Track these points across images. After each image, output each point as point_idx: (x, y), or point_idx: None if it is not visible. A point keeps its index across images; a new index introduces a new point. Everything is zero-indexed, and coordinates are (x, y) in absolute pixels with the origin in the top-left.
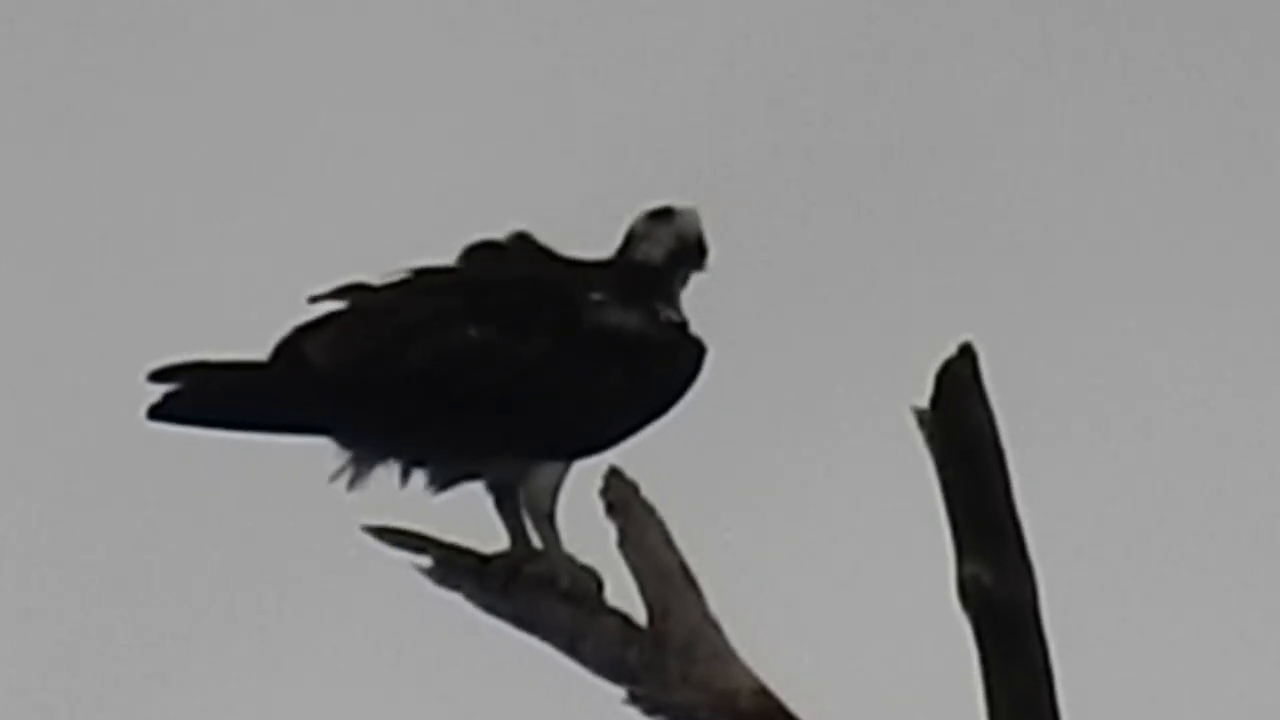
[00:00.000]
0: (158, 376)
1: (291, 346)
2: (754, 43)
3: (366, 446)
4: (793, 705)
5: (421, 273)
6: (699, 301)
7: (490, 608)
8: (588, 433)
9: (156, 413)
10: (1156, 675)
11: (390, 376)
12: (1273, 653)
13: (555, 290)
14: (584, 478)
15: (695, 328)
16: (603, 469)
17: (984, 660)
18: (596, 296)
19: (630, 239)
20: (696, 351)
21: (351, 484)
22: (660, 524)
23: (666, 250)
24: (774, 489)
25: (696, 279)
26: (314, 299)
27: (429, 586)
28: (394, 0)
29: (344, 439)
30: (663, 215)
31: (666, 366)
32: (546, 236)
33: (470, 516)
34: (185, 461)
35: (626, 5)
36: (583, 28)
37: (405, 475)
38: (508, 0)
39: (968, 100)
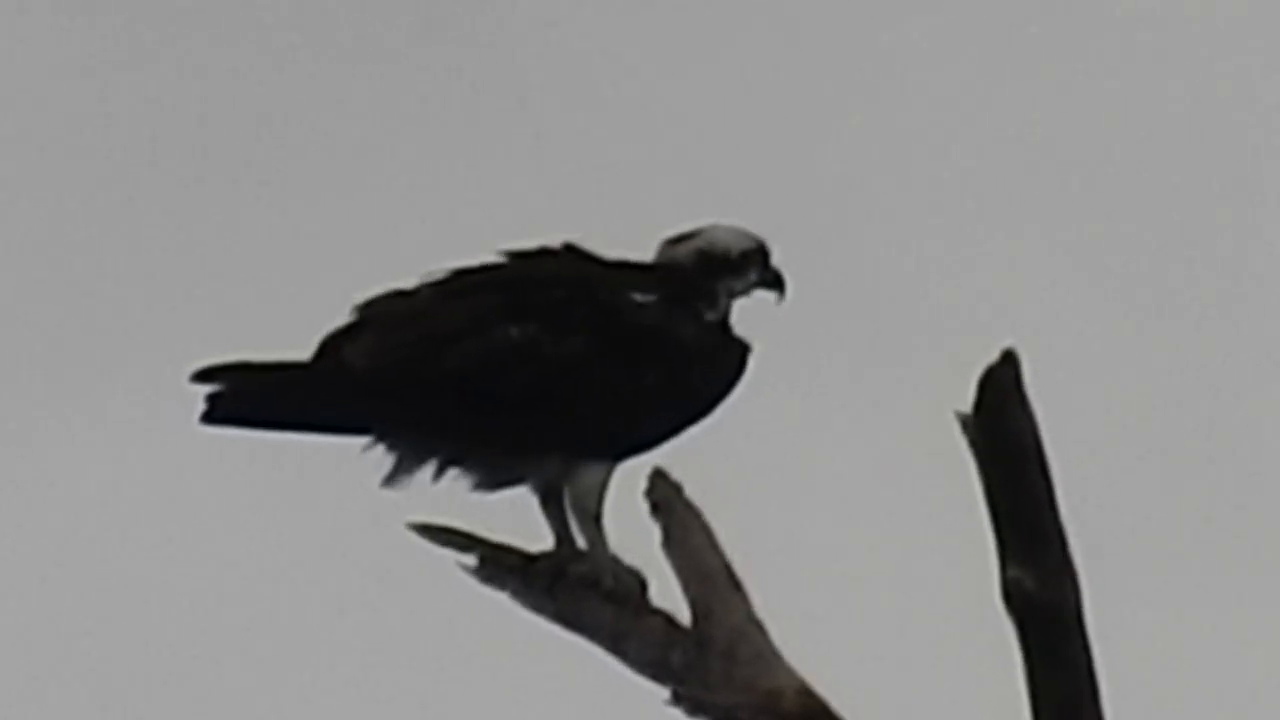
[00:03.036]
0: (202, 377)
1: (332, 349)
2: (782, 46)
3: (409, 447)
4: (836, 706)
5: (461, 273)
6: (745, 303)
7: (535, 607)
8: (628, 432)
9: (206, 416)
10: (1199, 677)
11: (430, 377)
12: None
13: (595, 290)
14: (629, 479)
15: (742, 330)
16: (647, 470)
17: (1028, 662)
18: (638, 297)
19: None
20: (739, 353)
21: (388, 482)
22: (704, 525)
23: (693, 256)
24: (818, 491)
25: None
26: (357, 307)
27: (474, 585)
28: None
29: (387, 440)
30: (683, 238)
31: (707, 367)
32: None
33: (516, 516)
34: (230, 460)
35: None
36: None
37: (440, 472)
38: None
39: (1008, 98)
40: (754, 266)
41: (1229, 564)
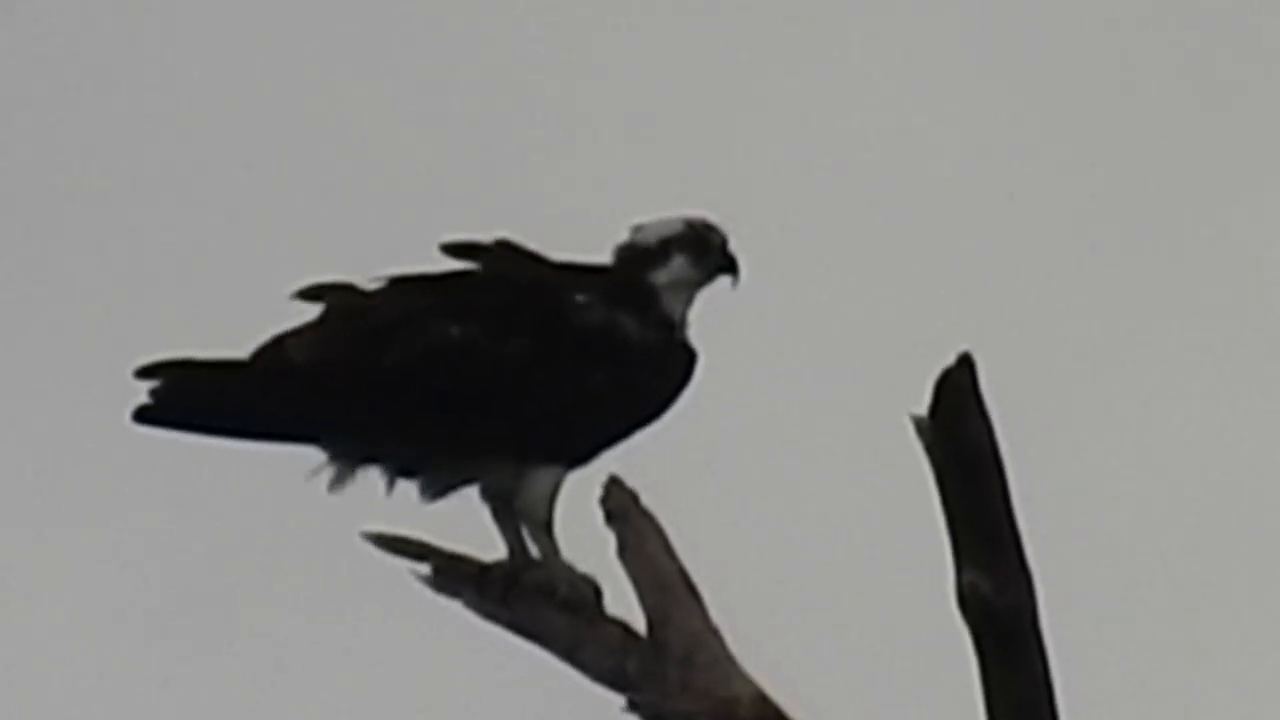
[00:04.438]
0: (144, 373)
1: (274, 347)
2: (741, 44)
3: (353, 450)
4: (792, 713)
5: (404, 279)
6: (700, 308)
7: (490, 615)
8: (571, 435)
9: (143, 416)
10: (1154, 682)
11: (371, 375)
12: (1272, 659)
13: (538, 291)
14: (583, 486)
15: (696, 335)
16: (602, 478)
17: (983, 668)
18: (580, 298)
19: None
20: (685, 356)
21: (333, 486)
22: (660, 532)
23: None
24: (774, 496)
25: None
26: (298, 294)
27: (428, 594)
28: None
29: (330, 442)
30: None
31: (651, 369)
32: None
33: (470, 525)
34: (180, 466)
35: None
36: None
37: (392, 482)
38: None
39: (967, 102)
40: (684, 252)
41: (1184, 567)
